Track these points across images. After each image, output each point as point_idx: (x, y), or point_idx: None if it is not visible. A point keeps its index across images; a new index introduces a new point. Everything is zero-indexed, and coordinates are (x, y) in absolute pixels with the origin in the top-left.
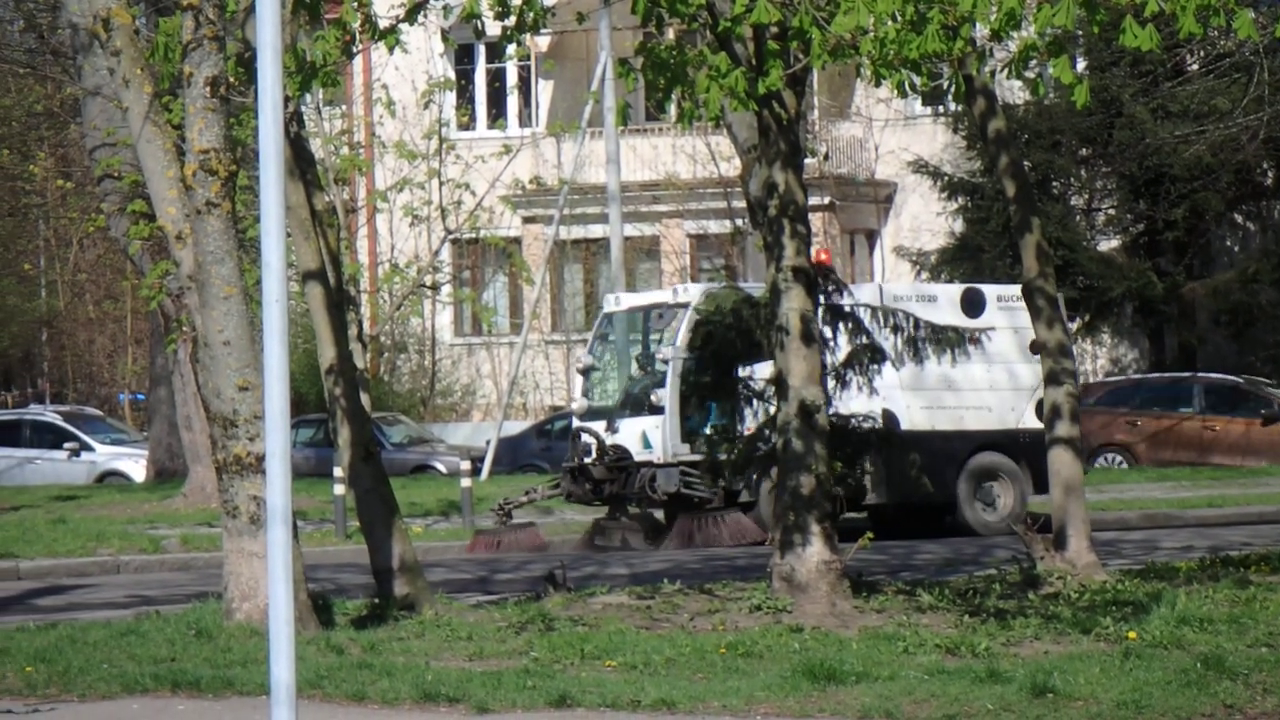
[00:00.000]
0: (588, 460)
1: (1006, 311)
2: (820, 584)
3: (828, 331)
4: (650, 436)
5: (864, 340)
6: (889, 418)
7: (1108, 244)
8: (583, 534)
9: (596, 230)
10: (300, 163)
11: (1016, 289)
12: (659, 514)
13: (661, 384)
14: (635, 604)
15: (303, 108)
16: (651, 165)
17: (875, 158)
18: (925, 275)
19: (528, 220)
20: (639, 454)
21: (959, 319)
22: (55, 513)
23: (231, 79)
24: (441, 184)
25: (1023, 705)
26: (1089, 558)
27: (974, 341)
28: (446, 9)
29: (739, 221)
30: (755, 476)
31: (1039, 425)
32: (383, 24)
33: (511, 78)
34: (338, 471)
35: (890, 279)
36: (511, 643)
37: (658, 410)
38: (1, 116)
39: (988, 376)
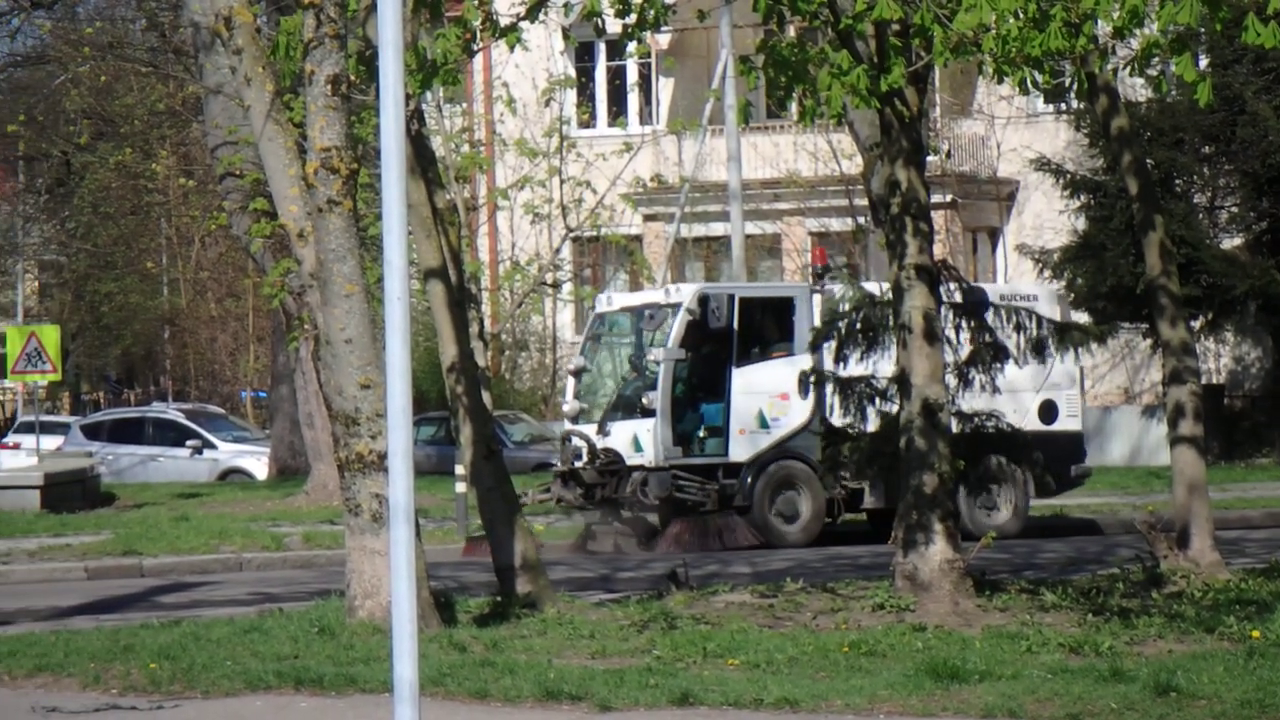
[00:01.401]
0: (578, 464)
1: (1010, 312)
2: (943, 583)
3: (950, 330)
4: (642, 439)
5: (987, 338)
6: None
7: (1231, 242)
8: (575, 538)
9: (718, 228)
10: (421, 160)
11: (1018, 288)
12: (653, 518)
13: (653, 386)
14: (758, 602)
15: (423, 105)
16: (773, 162)
17: (997, 155)
18: (1048, 274)
19: (649, 218)
20: (631, 457)
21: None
22: (178, 510)
23: (353, 77)
24: (562, 182)
25: (1146, 704)
26: (1212, 556)
27: (1099, 339)
28: (567, 7)
29: (861, 219)
30: (750, 479)
31: (1042, 427)
32: (504, 22)
33: (632, 75)
34: (459, 469)
35: (1013, 277)
36: (634, 641)
37: (649, 413)
38: (124, 115)
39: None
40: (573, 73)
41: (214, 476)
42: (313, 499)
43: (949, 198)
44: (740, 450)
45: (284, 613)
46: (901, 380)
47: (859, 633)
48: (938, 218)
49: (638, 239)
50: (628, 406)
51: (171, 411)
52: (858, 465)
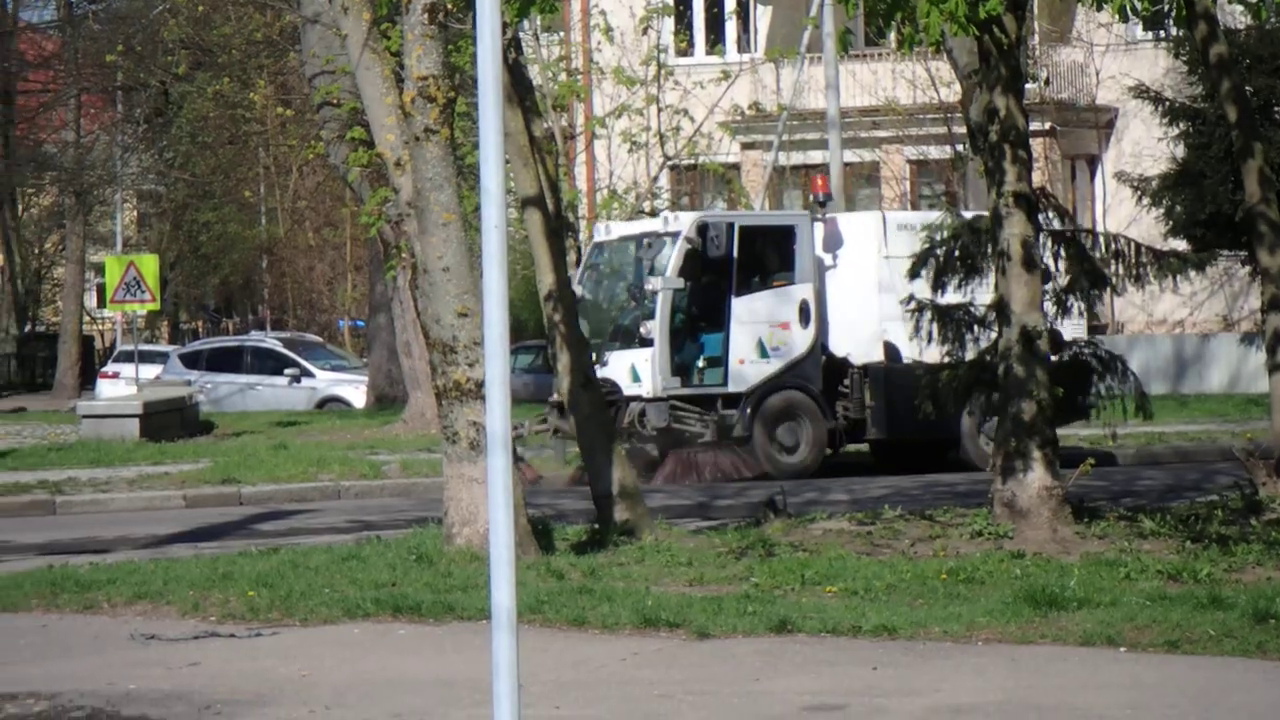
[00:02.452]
0: None
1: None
2: (1042, 510)
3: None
4: (639, 369)
5: (1085, 266)
6: (889, 350)
7: None
8: (574, 469)
9: (816, 156)
10: (518, 89)
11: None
12: (652, 448)
13: (651, 316)
14: (856, 530)
15: (520, 34)
16: (871, 90)
17: (1096, 83)
18: (1146, 201)
19: (746, 146)
20: (628, 388)
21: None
22: (276, 438)
23: (449, 5)
24: (660, 110)
25: (1245, 631)
26: None
27: (1198, 267)
28: None
29: (959, 147)
30: (749, 411)
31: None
32: None
33: (730, 3)
34: (556, 397)
35: (1111, 205)
36: (731, 568)
37: (647, 343)
38: (222, 45)
39: None
40: (670, 0)
41: (312, 405)
42: (410, 427)
43: (1047, 125)
44: (739, 380)
45: (382, 540)
46: (1000, 308)
47: (957, 560)
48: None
49: (735, 167)
50: (626, 336)
51: (269, 340)
52: (957, 394)
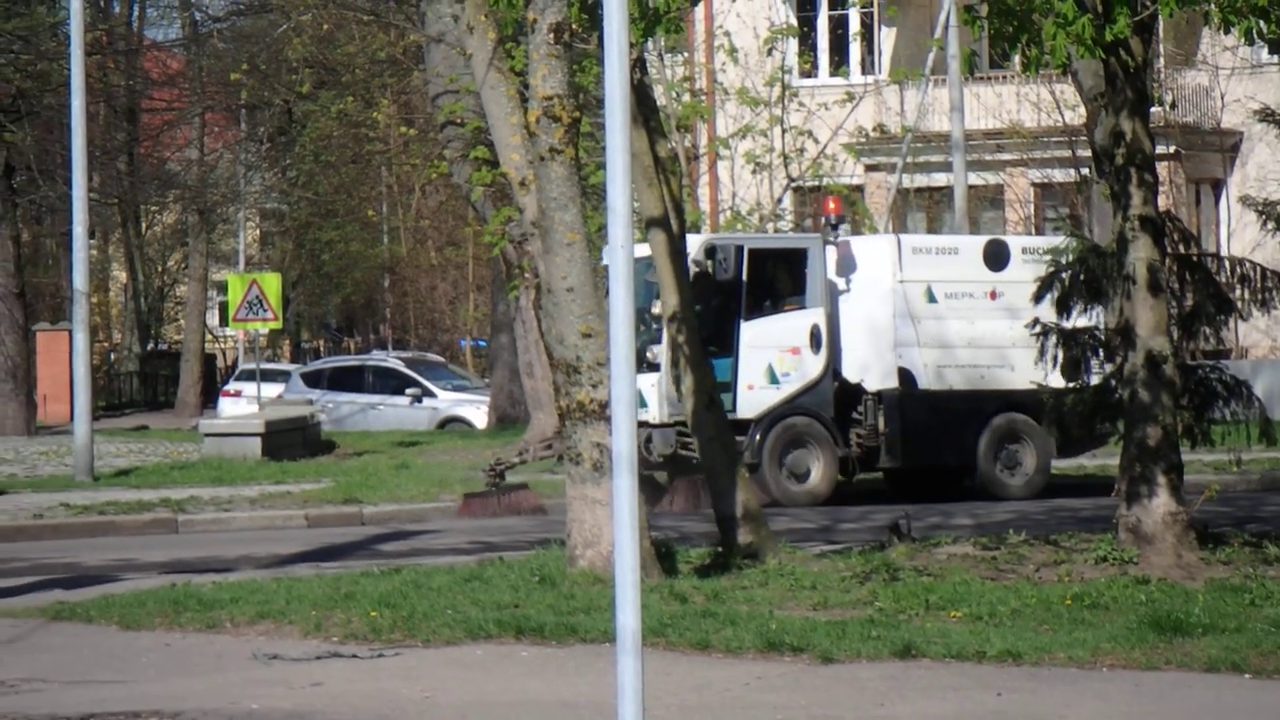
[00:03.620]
0: None
1: (1032, 264)
2: (1166, 535)
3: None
4: (646, 395)
5: (1210, 290)
6: (904, 376)
7: None
8: None
9: (940, 179)
10: (643, 109)
11: (1042, 240)
12: (661, 475)
13: (657, 340)
14: (980, 554)
15: (645, 54)
16: (995, 113)
17: (1221, 107)
18: (1271, 225)
19: (870, 168)
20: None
21: (981, 272)
22: (398, 458)
23: (574, 25)
24: (784, 131)
25: None
26: None
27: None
28: None
29: (1084, 170)
30: (759, 436)
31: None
32: None
33: (854, 24)
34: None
35: (1236, 229)
36: (855, 592)
37: (654, 367)
38: (346, 64)
39: (1010, 333)
40: (795, 21)
41: (433, 425)
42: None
43: (1172, 149)
44: (748, 406)
45: (504, 561)
46: (1125, 332)
47: (1081, 585)
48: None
49: (859, 189)
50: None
51: (391, 360)
52: (1081, 418)
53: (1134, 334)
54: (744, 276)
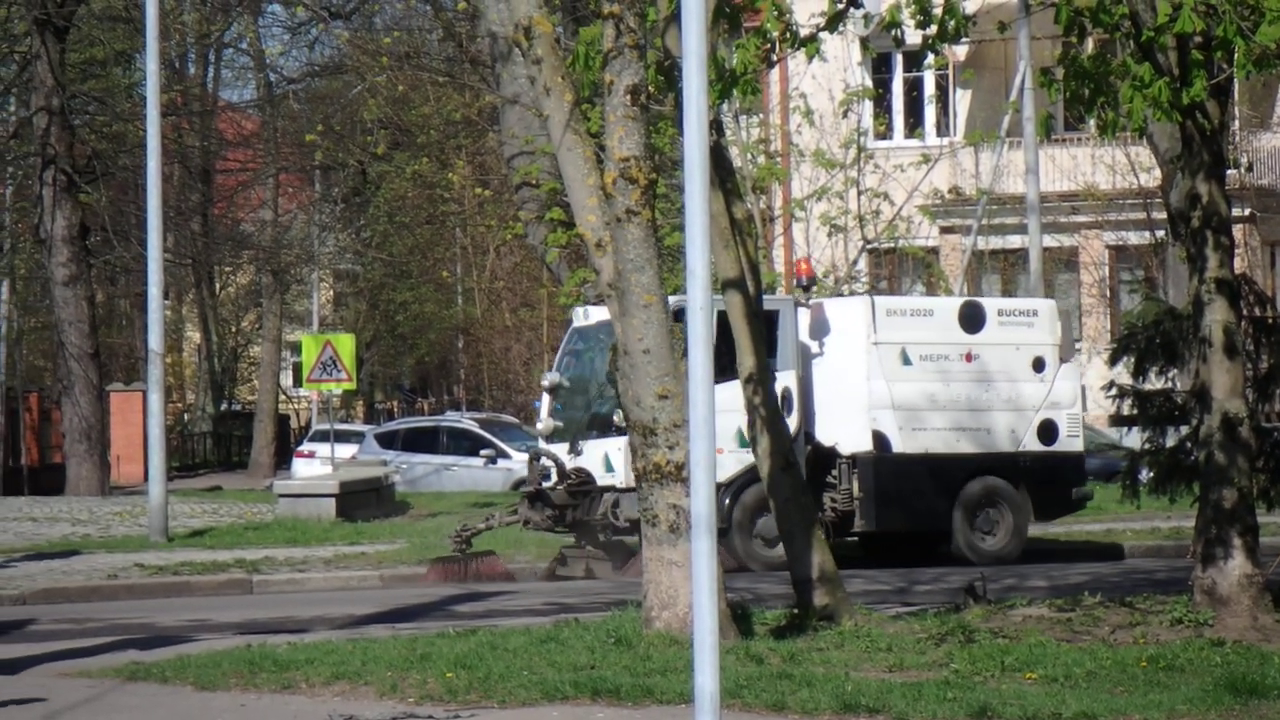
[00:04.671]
0: (546, 485)
1: (1008, 327)
2: (1242, 598)
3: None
4: (613, 459)
5: None
6: (879, 439)
7: None
8: (550, 563)
9: (1015, 240)
10: (719, 171)
11: (1019, 303)
12: (632, 540)
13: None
14: (1055, 616)
15: (721, 116)
16: (1070, 175)
17: None
18: None
19: (945, 230)
20: (602, 478)
21: (957, 334)
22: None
23: (651, 88)
24: (859, 193)
25: None
26: None
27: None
28: (866, 18)
29: (1159, 233)
30: (728, 502)
31: (1041, 448)
32: (803, 32)
33: (929, 87)
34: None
35: None
36: (931, 654)
37: (622, 431)
38: (420, 125)
39: (986, 396)
40: (870, 84)
41: (508, 486)
42: None
43: (1247, 211)
44: (718, 471)
45: (580, 623)
46: (1201, 394)
47: (1157, 647)
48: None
49: (934, 251)
50: (601, 425)
51: (465, 421)
52: (1156, 480)
53: (1210, 396)
54: (714, 338)
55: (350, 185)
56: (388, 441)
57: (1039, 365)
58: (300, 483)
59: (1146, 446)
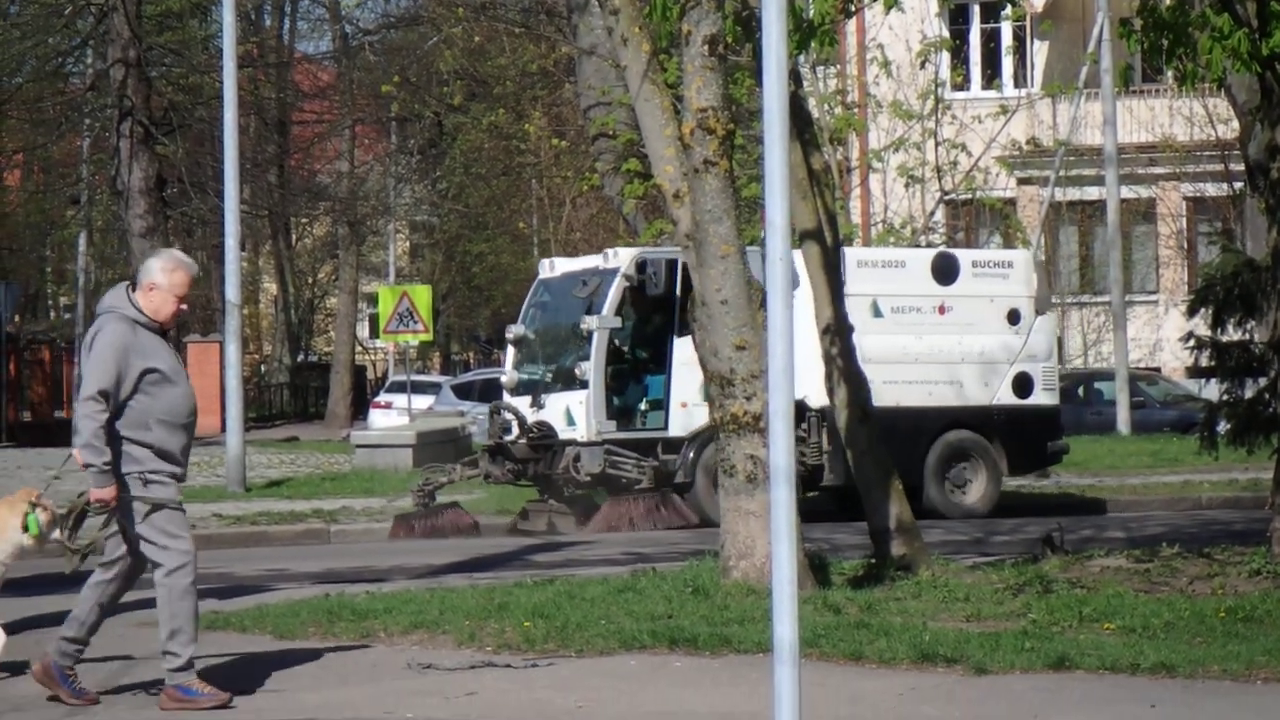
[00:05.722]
0: (507, 438)
1: (983, 279)
2: None
3: None
4: (574, 413)
5: None
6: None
7: None
8: (514, 516)
9: (1092, 192)
10: (797, 122)
11: (994, 254)
12: (598, 495)
13: (586, 356)
14: (1133, 567)
15: (799, 67)
16: (1148, 127)
17: None
18: None
19: (1023, 181)
20: (563, 431)
21: (930, 286)
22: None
23: (729, 38)
24: (937, 144)
25: None
26: None
27: None
28: None
29: (1237, 185)
30: (692, 455)
31: (1016, 401)
32: None
33: (1006, 38)
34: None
35: None
36: (1009, 604)
37: (584, 384)
38: (496, 76)
39: (959, 348)
40: (947, 35)
41: None
42: None
43: None
44: (681, 424)
45: (657, 572)
46: (1279, 346)
47: (1235, 598)
48: None
49: (1012, 202)
50: (565, 378)
51: None
52: (1234, 432)
53: None
54: (677, 291)
55: (426, 137)
56: (464, 392)
57: (1014, 317)
58: (377, 433)
59: (1224, 398)
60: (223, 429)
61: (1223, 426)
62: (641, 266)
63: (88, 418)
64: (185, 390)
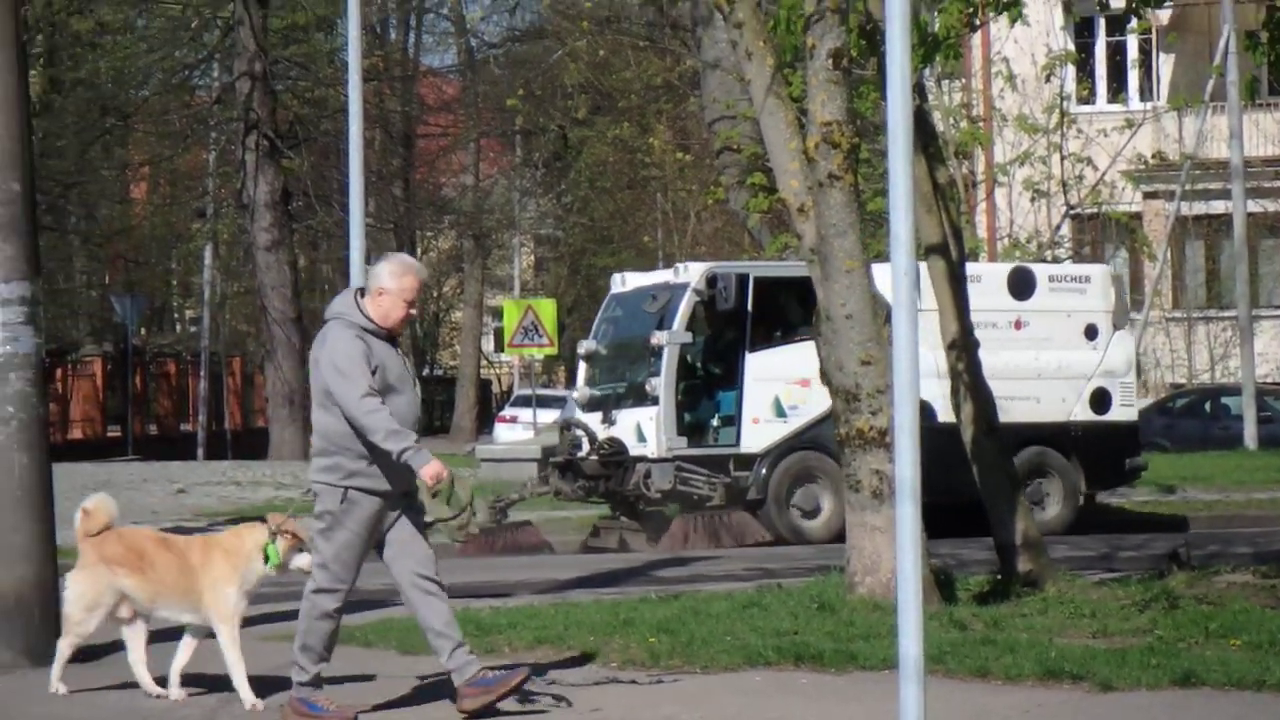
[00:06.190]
0: (578, 454)
1: (1059, 293)
2: None
3: None
4: (644, 429)
5: None
6: (924, 409)
7: None
8: (587, 535)
9: (1218, 206)
10: (922, 135)
11: (1071, 268)
12: (669, 511)
13: (657, 372)
14: (1260, 583)
15: (924, 80)
16: (1275, 140)
17: None
18: None
19: (1149, 195)
20: (634, 448)
21: (1006, 301)
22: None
23: (853, 52)
24: (1063, 158)
25: None
26: None
27: None
28: None
29: None
30: (765, 471)
31: (1094, 417)
32: None
33: (1132, 51)
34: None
35: None
36: (1135, 620)
37: (654, 400)
38: (621, 90)
39: (1036, 364)
40: (1073, 48)
41: None
42: None
43: None
44: (753, 440)
45: (782, 588)
46: None
47: None
48: None
49: (1138, 216)
50: (635, 394)
51: None
52: None
53: None
54: (749, 306)
55: (551, 150)
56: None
57: (1091, 333)
58: (503, 447)
59: None
60: None
61: None
62: (712, 281)
63: (370, 414)
64: (410, 398)
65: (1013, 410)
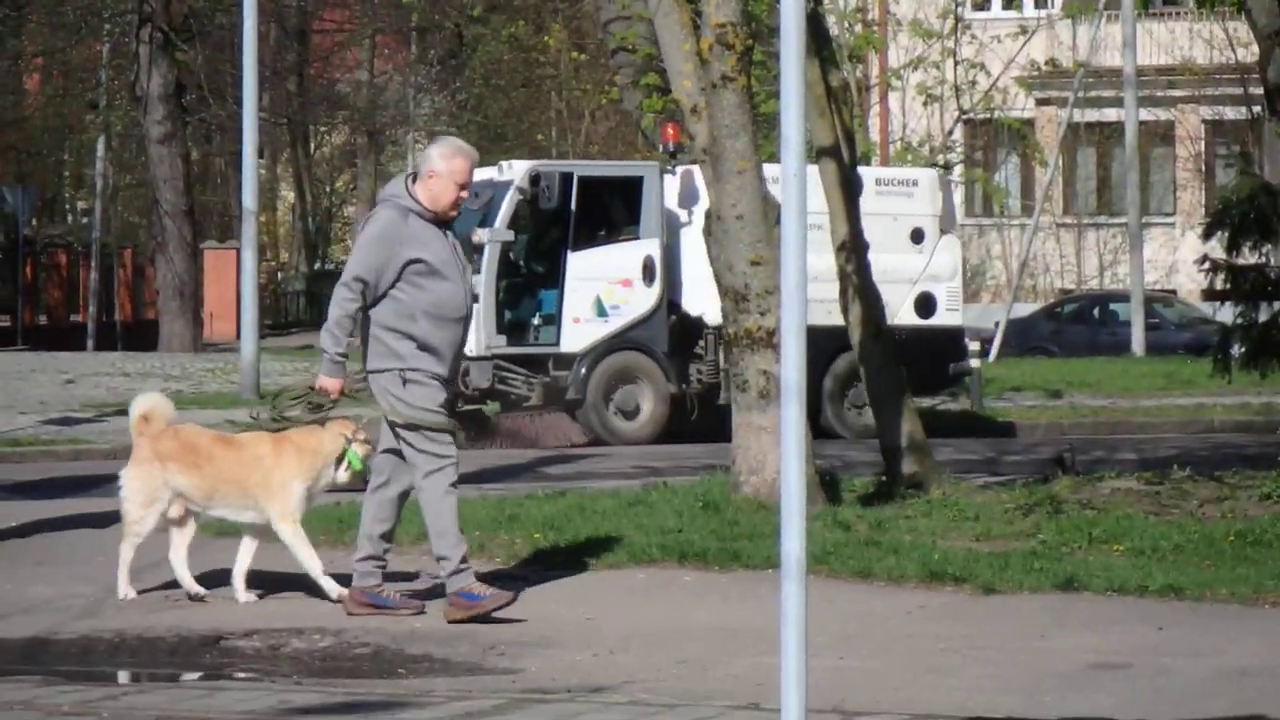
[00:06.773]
0: None
1: (886, 197)
2: None
3: None
4: None
5: None
6: None
7: None
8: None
9: (1111, 114)
10: (815, 39)
11: (899, 171)
12: (490, 410)
13: (477, 270)
14: (1144, 489)
15: None
16: (1168, 49)
17: None
18: None
19: (1041, 102)
20: None
21: None
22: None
23: None
24: (956, 64)
25: None
26: None
27: None
28: None
29: (1256, 109)
30: (584, 371)
31: (918, 322)
32: None
33: None
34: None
35: None
36: (1018, 524)
37: (474, 298)
38: None
39: None
40: None
41: None
42: None
43: None
44: (574, 340)
45: (668, 486)
46: None
47: (1245, 522)
48: None
49: (1030, 123)
50: None
51: None
52: (1247, 355)
53: None
54: (572, 205)
55: (446, 47)
56: None
57: (918, 237)
58: None
59: (1239, 321)
60: (237, 335)
61: (1237, 350)
62: (535, 179)
63: (336, 303)
64: (456, 285)
65: (835, 313)
